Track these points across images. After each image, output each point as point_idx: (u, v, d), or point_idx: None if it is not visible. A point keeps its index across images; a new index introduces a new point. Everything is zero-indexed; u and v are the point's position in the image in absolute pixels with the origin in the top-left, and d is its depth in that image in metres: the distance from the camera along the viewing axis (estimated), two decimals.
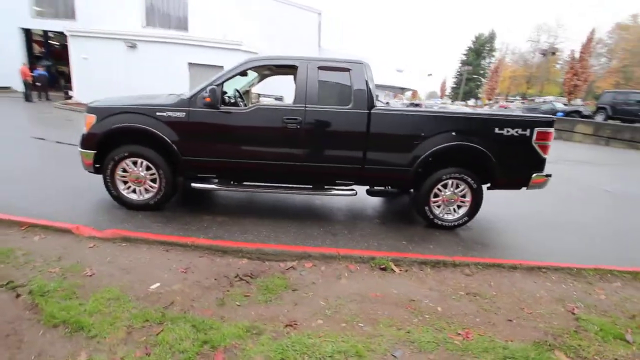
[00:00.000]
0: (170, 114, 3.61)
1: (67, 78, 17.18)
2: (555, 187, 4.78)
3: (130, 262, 2.62)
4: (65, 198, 4.08)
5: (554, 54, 26.64)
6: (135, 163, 3.74)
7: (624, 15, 41.48)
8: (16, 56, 17.69)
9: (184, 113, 3.61)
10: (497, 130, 3.76)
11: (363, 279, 2.69)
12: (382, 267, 2.85)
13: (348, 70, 3.74)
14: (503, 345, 1.98)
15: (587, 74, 26.80)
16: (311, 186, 4.01)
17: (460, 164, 3.88)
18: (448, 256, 3.09)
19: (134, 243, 2.90)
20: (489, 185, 4.02)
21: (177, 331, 1.86)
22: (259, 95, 6.00)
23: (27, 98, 15.47)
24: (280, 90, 12.42)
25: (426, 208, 3.93)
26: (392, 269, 2.84)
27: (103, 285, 2.26)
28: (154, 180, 3.80)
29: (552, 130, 3.86)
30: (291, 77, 4.71)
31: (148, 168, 3.75)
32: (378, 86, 4.94)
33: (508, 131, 3.77)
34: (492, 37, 60.67)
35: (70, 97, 16.02)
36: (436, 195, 3.93)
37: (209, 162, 3.73)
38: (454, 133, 3.73)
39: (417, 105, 6.28)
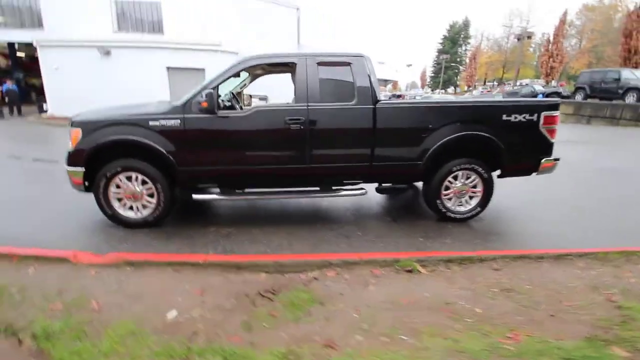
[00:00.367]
0: (163, 122, 3.36)
1: (39, 91, 16.40)
2: None
3: (139, 288, 2.39)
4: (55, 221, 3.78)
5: (529, 37, 27.18)
6: (129, 178, 3.48)
7: None
8: None
9: (179, 120, 3.37)
10: (504, 117, 3.67)
11: (390, 284, 2.54)
12: (407, 269, 2.71)
13: (349, 64, 3.57)
14: (556, 345, 1.87)
15: (562, 55, 27.46)
16: (318, 188, 3.84)
17: (469, 154, 3.77)
18: (472, 251, 2.98)
19: (139, 266, 2.66)
20: (498, 173, 3.95)
21: None
22: (250, 96, 5.76)
23: None
24: (262, 89, 12.16)
25: (438, 202, 3.82)
26: (418, 270, 2.71)
27: (114, 318, 2.04)
28: (151, 195, 3.54)
29: (558, 113, 3.80)
30: (278, 75, 4.57)
31: (144, 182, 3.49)
32: None
33: (516, 117, 3.68)
34: (466, 25, 61.56)
35: (44, 111, 15.28)
36: (447, 188, 3.83)
37: (209, 170, 3.50)
38: (461, 123, 3.62)
39: (399, 96, 6.19)
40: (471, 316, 2.17)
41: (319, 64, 3.52)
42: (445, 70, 54.84)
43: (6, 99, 15.38)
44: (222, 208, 4.34)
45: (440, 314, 2.18)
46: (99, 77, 14.53)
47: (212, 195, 3.57)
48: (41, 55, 14.85)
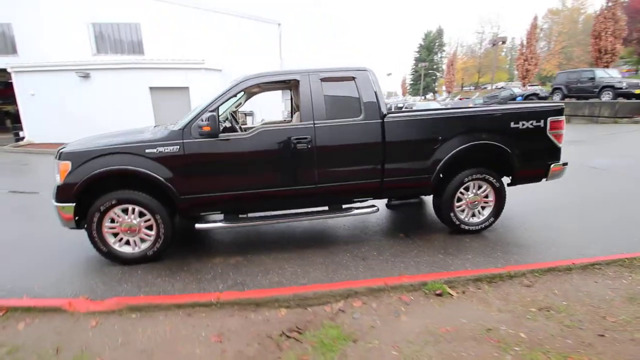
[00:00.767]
0: (161, 149, 3.13)
1: (15, 118, 15.74)
2: None
3: (148, 339, 2.13)
4: (40, 263, 3.45)
5: (503, 42, 28.10)
6: (125, 211, 3.22)
7: (554, 1, 44.80)
8: None
9: (178, 146, 3.15)
10: (512, 124, 3.61)
11: (423, 312, 2.37)
12: (437, 292, 2.54)
13: (353, 78, 3.45)
14: None
15: (536, 58, 28.46)
16: (327, 209, 3.67)
17: (480, 163, 3.69)
18: (500, 267, 2.84)
19: (145, 312, 2.40)
20: (509, 181, 3.87)
21: None
22: (245, 115, 5.58)
23: None
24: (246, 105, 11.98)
25: (451, 214, 3.70)
26: (448, 293, 2.54)
27: None
28: (149, 228, 3.29)
29: (563, 118, 3.77)
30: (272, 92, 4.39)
31: (141, 214, 3.24)
32: None
33: (523, 124, 3.63)
34: (440, 34, 63.40)
35: (21, 139, 14.62)
36: (459, 200, 3.72)
37: (213, 197, 3.27)
38: (471, 132, 3.54)
39: (399, 108, 6.12)
40: (518, 343, 2.01)
41: (323, 79, 3.38)
42: (424, 78, 56.10)
43: None
44: (224, 234, 4.10)
45: (487, 344, 2.01)
46: (78, 101, 14.06)
47: (217, 224, 3.33)
48: (16, 81, 14.28)
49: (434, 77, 63.27)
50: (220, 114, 3.45)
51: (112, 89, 14.11)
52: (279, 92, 14.81)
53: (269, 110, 14.22)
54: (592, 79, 17.10)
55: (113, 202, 3.15)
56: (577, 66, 33.81)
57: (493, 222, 3.81)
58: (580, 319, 2.23)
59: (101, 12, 15.78)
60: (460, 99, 34.65)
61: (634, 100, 14.99)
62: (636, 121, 13.43)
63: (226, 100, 3.30)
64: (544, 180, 3.87)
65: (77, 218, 3.20)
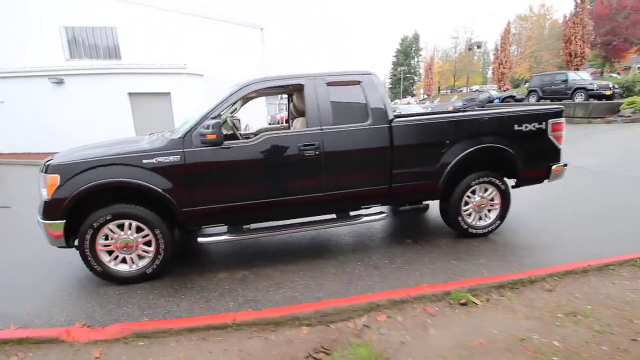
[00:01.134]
0: (160, 159, 2.93)
1: None
2: None
3: None
4: (28, 285, 3.15)
5: (479, 47, 29.06)
6: (121, 226, 2.99)
7: (523, 7, 46.86)
8: None
9: (178, 156, 2.96)
10: (516, 127, 3.63)
11: (451, 323, 2.28)
12: (461, 301, 2.47)
13: (359, 82, 3.36)
14: None
15: (510, 62, 29.54)
16: (335, 217, 3.55)
17: (485, 166, 3.68)
18: (519, 272, 2.80)
19: (154, 338, 2.19)
20: (513, 184, 3.88)
21: None
22: (239, 120, 5.38)
23: None
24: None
25: (459, 218, 3.67)
26: (472, 302, 2.47)
27: None
28: (148, 243, 3.07)
29: (563, 120, 3.82)
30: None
31: (139, 229, 3.01)
32: None
33: (526, 126, 3.66)
34: (416, 39, 64.94)
35: None
36: (466, 203, 3.69)
37: (216, 208, 3.09)
38: (477, 136, 3.53)
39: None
40: (555, 353, 1.96)
41: (329, 84, 3.28)
42: (402, 81, 57.18)
43: None
44: (224, 246, 3.89)
45: (523, 356, 1.94)
46: (52, 108, 13.36)
47: (221, 237, 3.14)
48: None
49: (412, 81, 64.65)
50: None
51: (88, 96, 13.50)
52: (263, 97, 14.61)
53: (251, 116, 14.00)
54: (565, 81, 17.84)
55: (108, 218, 2.91)
56: (546, 69, 35.37)
57: (499, 224, 3.81)
58: (609, 323, 2.20)
59: (75, 16, 15.09)
60: (439, 102, 35.56)
61: (605, 101, 15.75)
62: (608, 121, 14.08)
63: (229, 106, 3.14)
64: (545, 181, 3.92)
65: (65, 236, 2.95)
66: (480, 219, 3.78)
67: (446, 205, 3.68)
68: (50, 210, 2.88)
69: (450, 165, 3.46)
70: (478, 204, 3.71)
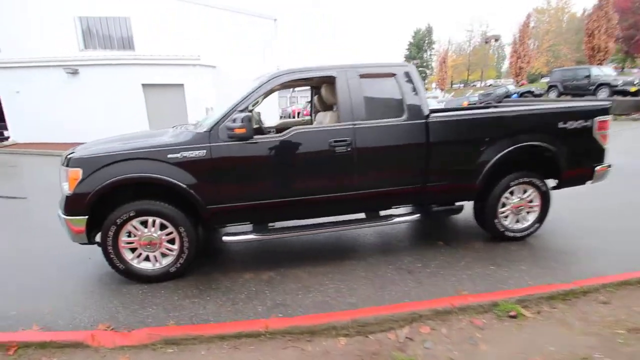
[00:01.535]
0: (185, 154, 2.79)
1: None
2: None
3: None
4: (48, 283, 3.06)
5: (496, 40, 28.28)
6: (144, 223, 2.86)
7: (540, 0, 45.23)
8: None
9: (204, 150, 2.80)
10: (561, 124, 3.39)
11: (502, 338, 2.10)
12: (511, 314, 2.28)
13: (393, 75, 3.15)
14: None
15: (529, 56, 28.69)
16: (364, 217, 3.38)
17: (526, 166, 3.45)
18: (570, 282, 2.60)
19: (184, 345, 2.07)
20: (554, 185, 3.65)
21: None
22: (259, 114, 5.21)
23: None
24: None
25: (496, 221, 3.45)
26: (523, 315, 2.28)
27: None
28: (171, 241, 2.94)
29: (609, 118, 3.56)
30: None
31: (162, 227, 2.89)
32: None
33: (571, 124, 3.41)
34: (429, 31, 63.61)
35: (6, 139, 13.87)
36: (503, 205, 3.47)
37: (242, 206, 2.94)
38: (518, 133, 3.30)
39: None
40: None
41: (362, 76, 3.08)
42: None
43: None
44: (248, 245, 3.75)
45: None
46: (67, 99, 13.39)
47: (247, 236, 3.00)
48: None
49: (424, 75, 63.57)
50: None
51: (102, 86, 13.48)
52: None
53: (261, 109, 13.83)
54: (588, 76, 17.21)
55: (131, 214, 2.79)
56: (564, 64, 34.28)
57: (537, 228, 3.58)
58: None
59: (88, 6, 15.03)
60: (452, 96, 34.76)
61: (630, 98, 15.15)
62: (634, 118, 13.54)
63: (258, 98, 2.98)
64: (588, 182, 3.67)
65: (87, 231, 2.84)
66: (517, 221, 3.57)
67: (482, 206, 3.47)
68: (72, 205, 2.77)
69: (489, 164, 3.24)
70: (516, 205, 3.49)
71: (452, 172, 3.27)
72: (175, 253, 2.94)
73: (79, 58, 14.00)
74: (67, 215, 2.79)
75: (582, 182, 3.68)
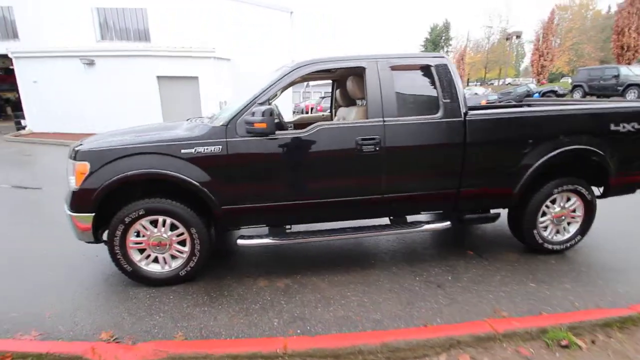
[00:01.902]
0: (200, 149, 2.56)
1: (15, 105, 15.12)
2: None
3: None
4: (53, 281, 2.89)
5: (518, 37, 27.30)
6: (153, 222, 2.66)
7: None
8: None
9: (220, 146, 2.57)
10: (613, 126, 3.04)
11: None
12: (562, 343, 1.99)
13: (428, 67, 2.86)
14: None
15: (552, 54, 27.66)
16: (389, 222, 3.11)
17: (571, 172, 3.12)
18: (625, 307, 2.29)
19: None
20: (600, 193, 3.31)
21: None
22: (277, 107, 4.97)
23: None
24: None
25: (535, 232, 3.14)
26: (576, 344, 1.99)
27: None
28: (182, 243, 2.73)
29: None
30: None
31: (173, 227, 2.68)
32: None
33: (624, 126, 3.06)
34: (446, 27, 62.26)
35: (23, 127, 14.02)
36: (543, 214, 3.15)
37: (260, 207, 2.71)
38: (566, 135, 2.96)
39: None
40: None
41: (393, 68, 2.79)
42: None
43: None
44: (262, 247, 3.52)
45: None
46: (83, 90, 13.43)
47: (264, 240, 2.77)
48: (17, 67, 13.64)
49: None
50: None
51: (117, 77, 13.47)
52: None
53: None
54: (617, 76, 16.39)
55: (141, 213, 2.58)
56: (587, 63, 32.96)
57: (579, 240, 3.25)
58: None
59: None
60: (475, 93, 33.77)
61: None
62: None
63: (279, 90, 2.73)
64: (638, 191, 3.33)
65: (94, 229, 2.65)
66: (557, 232, 3.25)
67: (520, 214, 3.16)
68: (78, 201, 2.58)
69: (531, 169, 2.93)
70: (558, 214, 3.17)
71: (490, 177, 2.97)
72: (185, 255, 2.74)
73: (96, 49, 14.03)
74: (73, 212, 2.60)
75: (632, 191, 3.33)
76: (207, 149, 2.56)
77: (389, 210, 3.00)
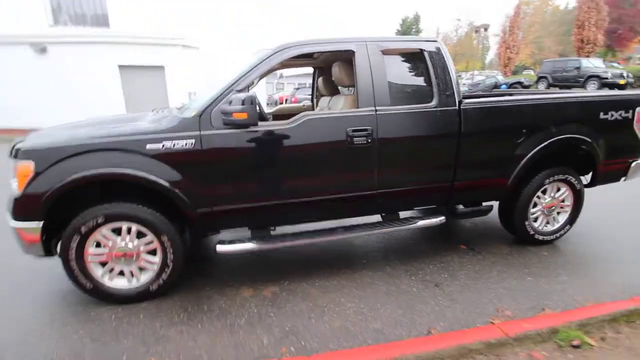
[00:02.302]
0: (169, 144, 2.22)
1: None
2: None
3: None
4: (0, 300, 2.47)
5: (486, 29, 28.05)
6: (116, 230, 2.30)
7: None
8: None
9: (193, 140, 2.25)
10: (602, 115, 3.00)
11: None
12: (573, 343, 1.88)
13: (421, 51, 2.65)
14: None
15: (518, 46, 28.62)
16: (381, 220, 2.91)
17: (561, 161, 3.06)
18: (629, 299, 2.22)
19: None
20: (586, 183, 3.29)
21: None
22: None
23: None
24: None
25: (526, 223, 3.07)
26: (588, 344, 1.88)
27: None
28: (152, 252, 2.39)
29: None
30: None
31: (140, 234, 2.33)
32: None
33: (612, 115, 3.03)
34: (417, 20, 63.06)
35: None
36: (534, 205, 3.08)
37: (240, 208, 2.42)
38: (558, 124, 2.89)
39: None
40: None
41: (384, 52, 2.56)
42: None
43: None
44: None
45: None
46: (35, 80, 12.22)
47: (246, 245, 2.47)
48: None
49: None
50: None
51: (74, 66, 12.38)
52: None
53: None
54: (578, 68, 17.22)
55: (100, 220, 2.21)
56: (547, 56, 34.49)
57: (568, 230, 3.23)
58: None
59: None
60: None
61: (618, 91, 15.20)
62: None
63: (259, 76, 2.42)
64: (622, 179, 3.33)
65: (45, 240, 2.26)
66: (547, 222, 3.19)
67: (512, 206, 3.06)
68: (22, 208, 2.17)
69: (526, 158, 2.83)
70: (548, 205, 3.11)
71: (484, 168, 2.85)
72: (156, 267, 2.39)
73: (48, 35, 12.78)
74: (16, 221, 2.19)
75: (617, 179, 3.33)
76: (177, 143, 2.22)
77: (383, 207, 2.80)
